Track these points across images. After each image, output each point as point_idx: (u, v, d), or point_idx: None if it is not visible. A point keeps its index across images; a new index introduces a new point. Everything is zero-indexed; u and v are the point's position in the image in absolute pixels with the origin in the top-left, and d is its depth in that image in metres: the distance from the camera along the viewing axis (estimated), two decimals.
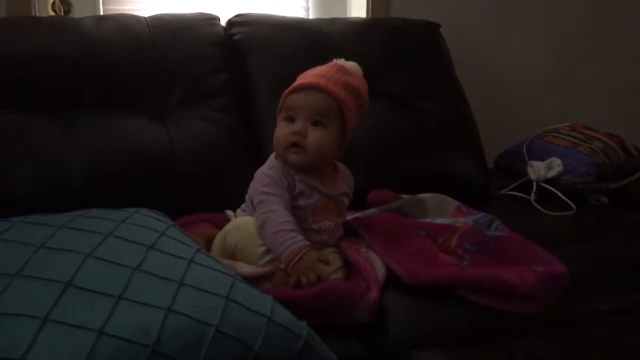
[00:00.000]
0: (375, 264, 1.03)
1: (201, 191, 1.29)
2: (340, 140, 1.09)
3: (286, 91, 1.08)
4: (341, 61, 1.11)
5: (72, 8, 1.61)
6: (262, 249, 1.00)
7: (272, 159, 1.09)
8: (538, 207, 1.45)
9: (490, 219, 1.20)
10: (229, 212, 1.17)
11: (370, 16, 1.81)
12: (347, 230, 1.15)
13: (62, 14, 1.59)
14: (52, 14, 1.59)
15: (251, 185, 1.09)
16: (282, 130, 1.06)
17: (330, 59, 1.19)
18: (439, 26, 1.70)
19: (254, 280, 0.92)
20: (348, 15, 1.88)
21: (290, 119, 1.06)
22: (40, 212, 0.92)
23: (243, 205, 1.12)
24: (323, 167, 1.10)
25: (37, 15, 1.55)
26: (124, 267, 0.77)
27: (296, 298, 0.90)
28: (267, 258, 0.99)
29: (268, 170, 1.07)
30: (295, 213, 1.03)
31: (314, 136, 1.04)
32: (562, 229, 1.36)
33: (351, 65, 1.11)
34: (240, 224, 1.06)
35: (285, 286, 0.96)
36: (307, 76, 1.08)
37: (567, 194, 1.48)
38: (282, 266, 0.98)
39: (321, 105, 1.05)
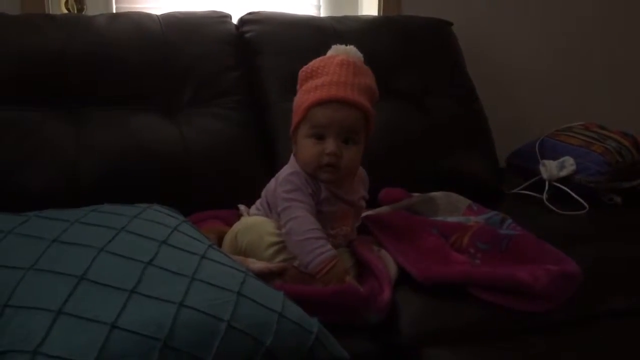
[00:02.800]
0: (387, 262, 1.03)
1: (213, 188, 1.29)
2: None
3: (310, 102, 1.02)
4: (342, 50, 1.07)
5: (85, 6, 1.62)
6: (272, 250, 1.00)
7: (293, 162, 1.07)
8: (550, 206, 1.44)
9: (502, 217, 1.20)
10: (242, 207, 1.16)
11: (381, 14, 1.81)
12: (358, 227, 1.15)
13: (76, 11, 1.60)
14: (66, 11, 1.60)
15: (271, 186, 1.07)
16: (313, 150, 1.01)
17: None
18: (451, 24, 1.69)
19: (265, 276, 0.92)
20: (359, 13, 1.87)
21: (319, 136, 1.02)
22: (54, 208, 0.93)
23: (257, 203, 1.11)
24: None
25: (51, 13, 1.56)
26: (136, 261, 0.78)
27: (311, 296, 0.89)
28: (278, 259, 0.99)
29: (290, 175, 1.04)
30: (317, 219, 1.01)
31: (348, 155, 1.02)
32: (574, 228, 1.35)
33: (354, 53, 1.07)
34: (250, 224, 1.05)
35: (297, 283, 0.95)
36: (328, 84, 1.01)
37: (580, 193, 1.46)
38: (296, 264, 0.97)
39: (352, 122, 1.02)
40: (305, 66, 1.08)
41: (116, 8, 1.64)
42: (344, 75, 1.02)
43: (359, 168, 1.12)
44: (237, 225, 1.06)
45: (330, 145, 1.00)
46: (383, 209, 1.24)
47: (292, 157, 1.07)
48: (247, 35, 1.52)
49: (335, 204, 1.05)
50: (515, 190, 1.57)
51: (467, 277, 0.98)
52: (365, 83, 1.05)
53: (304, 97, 1.04)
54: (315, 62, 1.07)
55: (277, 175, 1.07)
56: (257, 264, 0.96)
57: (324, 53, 1.11)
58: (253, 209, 1.12)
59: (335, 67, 1.04)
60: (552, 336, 0.96)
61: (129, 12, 1.52)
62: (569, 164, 1.51)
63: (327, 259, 0.96)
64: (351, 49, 1.08)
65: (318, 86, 1.02)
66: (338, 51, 1.08)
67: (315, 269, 0.96)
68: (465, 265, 1.03)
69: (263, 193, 1.10)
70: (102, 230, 0.84)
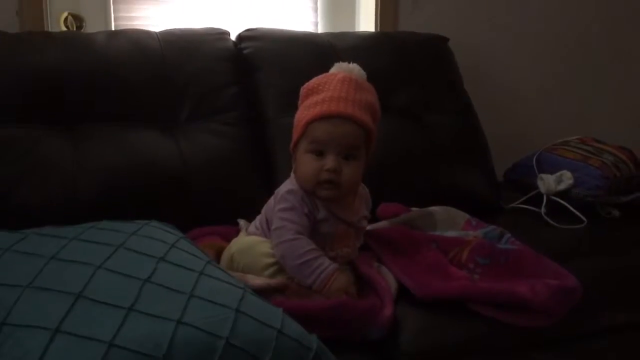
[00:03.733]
0: (387, 278, 1.03)
1: (211, 204, 1.29)
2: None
3: (310, 117, 1.01)
4: (345, 67, 1.07)
5: (84, 23, 1.63)
6: (270, 270, 0.99)
7: (292, 179, 1.05)
8: (549, 220, 1.45)
9: (500, 232, 1.20)
10: (242, 222, 1.16)
11: (378, 30, 1.82)
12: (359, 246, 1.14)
13: (75, 29, 1.61)
14: (65, 29, 1.61)
15: (271, 203, 1.06)
16: (312, 165, 1.00)
17: None
18: (447, 40, 1.71)
19: (265, 293, 0.91)
20: (357, 30, 1.89)
21: (319, 152, 1.00)
22: (52, 225, 0.92)
23: (257, 221, 1.10)
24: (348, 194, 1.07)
25: (50, 30, 1.57)
26: (134, 278, 0.77)
27: (311, 311, 0.89)
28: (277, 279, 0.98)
29: (287, 193, 1.02)
30: (315, 240, 1.00)
31: (348, 172, 1.00)
32: (573, 242, 1.35)
33: (358, 72, 1.07)
34: (246, 246, 1.04)
35: (298, 298, 0.95)
36: (328, 99, 1.00)
37: (578, 207, 1.47)
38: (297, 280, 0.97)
39: (352, 138, 1.00)
40: (307, 83, 1.07)
41: (115, 25, 1.65)
42: (345, 91, 1.02)
43: (361, 186, 1.11)
44: (233, 247, 1.05)
45: (329, 161, 0.99)
46: (382, 224, 1.24)
47: (292, 174, 1.07)
48: (246, 51, 1.53)
49: (335, 225, 1.03)
50: (513, 205, 1.58)
51: (466, 293, 0.98)
52: (367, 100, 1.03)
53: (304, 112, 1.03)
54: (316, 79, 1.06)
55: (276, 191, 1.07)
56: (256, 280, 0.95)
57: (322, 69, 1.11)
58: (252, 227, 1.11)
59: (337, 84, 1.03)
60: (552, 351, 0.95)
61: (127, 29, 1.53)
62: (566, 178, 1.51)
63: (328, 275, 0.96)
64: (354, 66, 1.07)
65: (318, 102, 1.02)
66: (341, 68, 1.07)
67: (320, 286, 0.96)
68: (464, 281, 1.03)
69: (263, 210, 1.09)
70: (100, 247, 0.84)
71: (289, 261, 0.97)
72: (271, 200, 1.07)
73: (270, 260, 0.99)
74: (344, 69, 1.07)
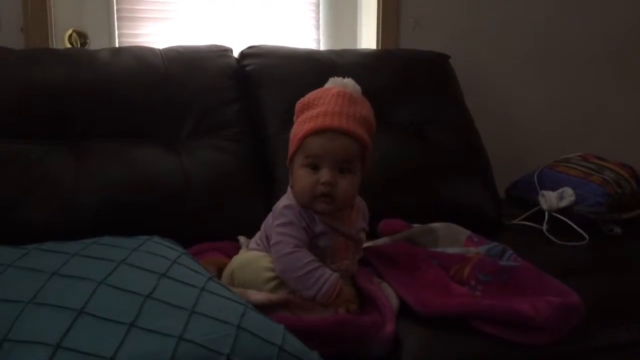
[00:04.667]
0: (388, 294, 1.03)
1: (213, 220, 1.29)
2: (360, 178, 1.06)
3: (305, 132, 1.01)
4: (339, 82, 1.07)
5: (88, 40, 1.65)
6: (271, 284, 0.98)
7: (289, 193, 1.05)
8: (550, 237, 1.44)
9: (502, 248, 1.19)
10: (242, 239, 1.16)
11: (380, 47, 1.84)
12: (359, 259, 1.14)
13: (79, 46, 1.63)
14: (69, 46, 1.63)
15: (269, 219, 1.07)
16: (308, 180, 1.00)
17: None
18: (449, 57, 1.72)
19: (267, 308, 0.91)
20: (358, 47, 1.90)
21: (314, 166, 1.01)
22: (54, 241, 0.93)
23: (257, 237, 1.10)
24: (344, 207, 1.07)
25: (55, 47, 1.58)
26: (136, 294, 0.77)
27: (312, 327, 0.89)
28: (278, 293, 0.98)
29: (284, 208, 1.03)
30: (314, 254, 1.00)
31: (343, 185, 1.00)
32: (575, 259, 1.34)
33: (352, 86, 1.07)
34: (246, 261, 1.04)
35: (301, 312, 0.95)
36: (323, 114, 1.01)
37: (580, 224, 1.46)
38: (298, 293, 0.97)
39: (346, 152, 1.00)
40: (302, 98, 1.08)
41: (119, 42, 1.67)
42: (339, 105, 1.02)
43: (358, 199, 1.11)
44: (233, 263, 1.05)
45: (325, 174, 1.00)
46: (383, 240, 1.24)
47: (288, 189, 1.07)
48: (248, 68, 1.54)
49: (333, 238, 1.03)
50: (515, 221, 1.57)
51: (468, 310, 0.97)
52: (361, 113, 1.04)
53: (299, 127, 1.04)
54: (311, 94, 1.07)
55: (274, 207, 1.07)
56: (257, 295, 0.95)
57: (324, 86, 1.12)
58: (252, 243, 1.11)
59: (331, 98, 1.04)
60: None
61: (131, 46, 1.55)
62: (568, 195, 1.51)
63: (332, 284, 0.95)
64: (349, 81, 1.08)
65: (313, 117, 1.02)
66: (335, 83, 1.08)
67: (325, 297, 0.95)
68: (466, 298, 1.02)
69: (262, 226, 1.09)
70: (102, 263, 0.84)
71: (289, 274, 0.97)
72: (269, 217, 1.07)
73: (271, 274, 0.99)
74: (338, 84, 1.07)
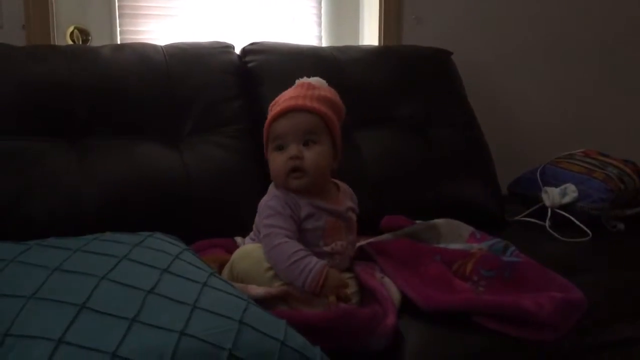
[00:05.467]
0: (390, 290, 1.02)
1: (215, 216, 1.29)
2: (333, 153, 1.09)
3: (267, 122, 1.08)
4: (304, 79, 1.12)
5: (89, 37, 1.64)
6: (270, 273, 0.99)
7: (271, 188, 1.09)
8: (553, 233, 1.44)
9: (505, 244, 1.19)
10: (239, 239, 1.17)
11: (382, 44, 1.84)
12: (361, 255, 1.14)
13: (81, 43, 1.63)
14: (71, 43, 1.63)
15: (256, 217, 1.09)
16: (278, 160, 1.05)
17: (343, 87, 1.21)
18: (451, 53, 1.71)
19: (267, 302, 0.91)
20: (360, 43, 1.90)
21: (281, 147, 1.06)
22: (56, 236, 0.93)
23: (251, 234, 1.11)
24: (324, 186, 1.10)
25: (56, 44, 1.58)
26: (137, 289, 0.77)
27: (313, 321, 0.89)
28: (277, 283, 0.98)
29: (269, 200, 1.06)
30: (305, 237, 1.02)
31: (310, 156, 1.04)
32: (578, 255, 1.34)
33: (315, 79, 1.12)
34: (244, 252, 1.05)
35: (301, 306, 0.95)
36: (281, 102, 1.08)
37: (583, 220, 1.46)
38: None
39: (307, 124, 1.05)
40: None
41: (120, 39, 1.67)
42: (298, 91, 1.09)
43: (343, 184, 1.14)
44: (232, 256, 1.05)
45: (291, 150, 1.04)
46: (385, 237, 1.23)
47: (270, 185, 1.10)
48: (250, 65, 1.54)
49: (321, 218, 1.05)
50: (517, 218, 1.57)
51: (470, 305, 0.97)
52: (320, 94, 1.08)
53: (267, 120, 1.09)
54: (280, 94, 1.12)
55: (259, 204, 1.08)
56: (258, 290, 0.95)
57: (326, 82, 1.13)
58: (247, 240, 1.12)
59: (292, 90, 1.11)
60: None
61: (133, 43, 1.55)
62: (570, 191, 1.51)
63: (318, 272, 0.96)
64: (314, 78, 1.13)
65: (276, 106, 1.08)
66: (300, 80, 1.13)
67: (311, 285, 0.95)
68: (468, 293, 1.02)
69: (254, 225, 1.10)
70: (104, 258, 0.84)
71: (279, 265, 0.98)
72: (257, 215, 1.09)
73: (269, 264, 1.00)
74: (303, 80, 1.13)
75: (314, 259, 0.98)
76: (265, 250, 1.01)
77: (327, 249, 1.05)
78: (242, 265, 1.02)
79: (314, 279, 0.95)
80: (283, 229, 1.01)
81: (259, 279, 0.99)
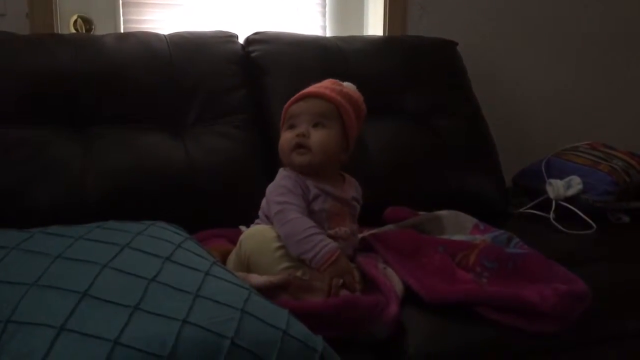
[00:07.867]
0: (393, 280, 1.02)
1: (218, 206, 1.29)
2: (342, 144, 1.12)
3: (287, 104, 1.14)
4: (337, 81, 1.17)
5: (93, 26, 1.64)
6: (279, 253, 1.00)
7: (281, 171, 1.12)
8: (558, 225, 1.44)
9: (509, 236, 1.19)
10: (243, 228, 1.16)
11: (387, 34, 1.82)
12: (364, 246, 1.14)
13: (84, 32, 1.62)
14: (74, 32, 1.62)
15: (263, 202, 1.10)
16: (286, 137, 1.10)
17: (348, 76, 1.21)
18: (456, 44, 1.70)
19: (268, 291, 0.91)
20: (365, 34, 1.89)
21: (292, 127, 1.10)
22: (59, 224, 0.93)
23: (257, 221, 1.12)
24: (330, 172, 1.12)
25: (60, 33, 1.58)
26: (140, 278, 0.77)
27: (316, 310, 0.89)
28: (285, 264, 0.98)
29: (281, 180, 1.09)
30: (311, 219, 1.03)
31: (316, 135, 1.08)
32: (582, 247, 1.34)
33: (346, 83, 1.16)
34: (254, 230, 1.06)
35: (303, 294, 0.95)
36: (305, 89, 1.14)
37: (587, 213, 1.46)
38: (299, 274, 0.97)
39: (320, 109, 1.09)
40: None
41: (124, 28, 1.66)
42: (324, 83, 1.15)
43: (349, 176, 1.17)
44: (241, 236, 1.06)
45: (299, 128, 1.09)
46: (388, 228, 1.23)
47: (280, 169, 1.13)
48: (254, 54, 1.53)
49: (326, 201, 1.08)
50: (521, 210, 1.57)
51: (473, 296, 0.97)
52: (347, 92, 1.13)
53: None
54: None
55: (269, 186, 1.10)
56: (259, 279, 0.95)
57: (330, 72, 1.17)
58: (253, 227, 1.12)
59: (321, 82, 1.16)
60: (561, 357, 0.94)
61: (136, 32, 1.54)
62: (575, 183, 1.50)
63: (331, 250, 0.98)
64: (347, 82, 1.17)
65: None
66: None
67: (320, 261, 0.97)
68: (471, 284, 1.02)
69: (260, 212, 1.11)
70: (106, 246, 0.84)
71: (292, 238, 0.99)
72: (264, 200, 1.11)
73: (278, 244, 1.01)
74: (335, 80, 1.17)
75: (329, 240, 1.00)
76: (277, 226, 1.02)
77: (331, 232, 1.06)
78: (250, 243, 1.02)
79: (324, 255, 0.97)
80: (295, 205, 1.03)
81: (266, 258, 1.00)
